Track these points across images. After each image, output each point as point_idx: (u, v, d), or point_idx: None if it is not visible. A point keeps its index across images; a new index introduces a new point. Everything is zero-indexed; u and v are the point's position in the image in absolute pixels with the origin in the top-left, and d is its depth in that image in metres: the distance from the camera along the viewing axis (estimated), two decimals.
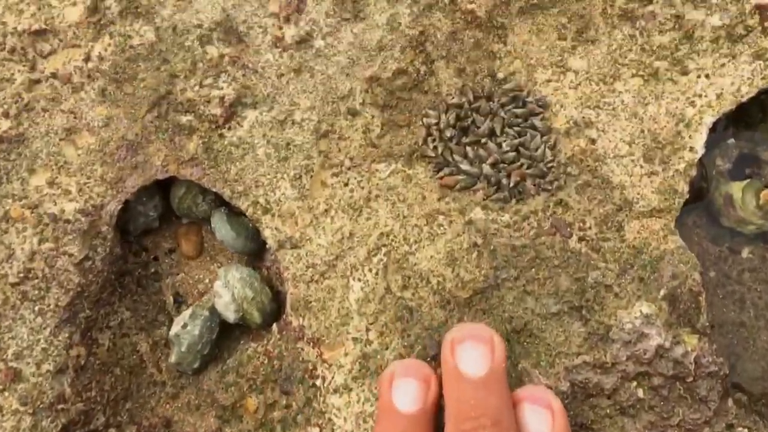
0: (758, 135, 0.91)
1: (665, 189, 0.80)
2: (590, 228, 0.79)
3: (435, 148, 0.86)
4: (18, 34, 0.81)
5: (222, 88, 0.83)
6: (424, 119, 0.86)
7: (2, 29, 0.81)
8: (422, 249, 0.79)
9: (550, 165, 0.83)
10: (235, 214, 0.85)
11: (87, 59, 0.82)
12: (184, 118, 0.82)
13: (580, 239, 0.78)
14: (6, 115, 0.79)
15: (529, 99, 0.87)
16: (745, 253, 0.88)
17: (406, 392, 0.67)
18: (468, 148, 0.85)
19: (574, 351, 0.74)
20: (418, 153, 0.86)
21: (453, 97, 0.87)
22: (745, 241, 0.88)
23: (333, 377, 0.77)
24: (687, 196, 0.80)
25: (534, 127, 0.86)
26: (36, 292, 0.78)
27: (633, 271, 0.76)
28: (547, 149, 0.84)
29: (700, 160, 0.83)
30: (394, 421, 0.66)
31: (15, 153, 0.80)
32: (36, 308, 0.78)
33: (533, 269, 0.76)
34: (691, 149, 0.81)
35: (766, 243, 0.88)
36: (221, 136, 0.82)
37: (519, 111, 0.86)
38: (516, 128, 0.86)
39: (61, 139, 0.81)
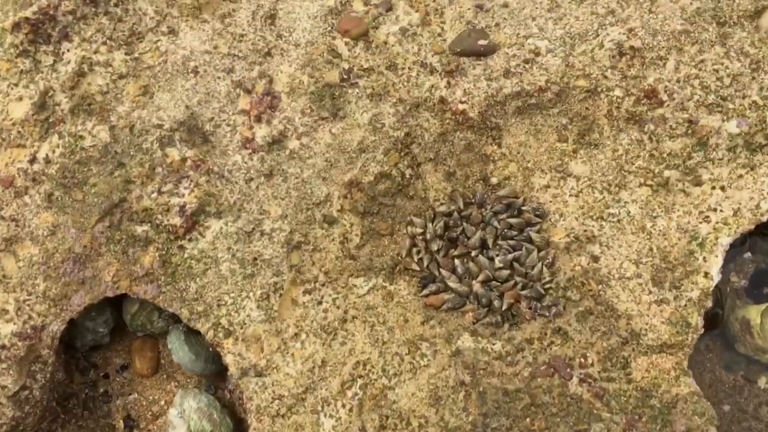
0: None
1: (677, 320, 0.71)
2: (593, 365, 0.70)
3: (420, 260, 0.77)
4: None
5: (183, 196, 0.74)
6: (409, 228, 0.78)
7: None
8: (403, 384, 0.70)
9: (547, 286, 0.75)
10: (194, 332, 0.76)
11: (32, 161, 0.73)
12: (140, 229, 0.73)
13: (582, 381, 0.69)
14: None
15: (525, 207, 0.78)
16: (762, 382, 0.79)
17: None
18: (457, 262, 0.77)
19: None
20: (401, 266, 0.77)
21: (441, 204, 0.79)
22: (762, 369, 0.80)
23: None
24: (701, 331, 0.71)
25: (530, 240, 0.77)
26: None
27: (641, 424, 0.67)
28: (544, 267, 0.75)
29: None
30: None
31: None
32: None
33: (528, 419, 0.67)
34: (706, 275, 0.73)
35: None
36: (181, 248, 0.74)
37: (514, 221, 0.77)
38: (510, 241, 0.77)
39: (0, 251, 0.72)
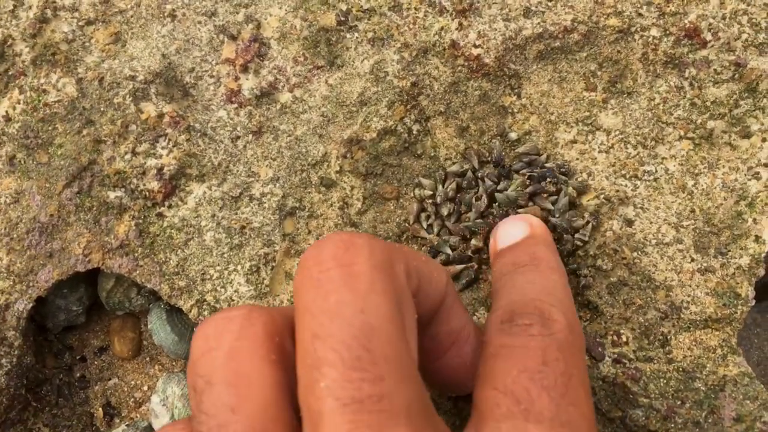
0: None
1: (723, 291, 0.62)
2: (627, 343, 0.61)
3: (430, 227, 0.69)
4: None
5: (161, 157, 0.65)
6: (417, 191, 0.69)
7: None
8: None
9: (573, 249, 0.66)
10: (178, 310, 0.68)
11: None
12: (113, 195, 0.65)
13: (615, 361, 0.60)
14: None
15: (549, 165, 0.69)
16: None
17: None
18: None
19: None
20: (409, 234, 0.68)
21: (453, 163, 0.70)
22: None
23: None
24: (752, 303, 0.62)
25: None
26: None
27: (684, 410, 0.58)
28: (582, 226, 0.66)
29: None
30: None
31: None
32: None
33: None
34: (757, 239, 0.64)
35: None
36: (159, 216, 0.65)
37: None
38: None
39: None
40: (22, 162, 0.65)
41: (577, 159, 0.69)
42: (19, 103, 0.65)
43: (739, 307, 0.62)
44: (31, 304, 0.64)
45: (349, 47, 0.69)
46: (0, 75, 0.66)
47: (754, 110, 0.67)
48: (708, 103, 0.68)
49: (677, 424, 0.58)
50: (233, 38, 0.68)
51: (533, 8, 0.69)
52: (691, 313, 0.62)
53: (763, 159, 0.66)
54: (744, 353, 0.71)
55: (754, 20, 0.68)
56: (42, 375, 0.69)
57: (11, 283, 0.64)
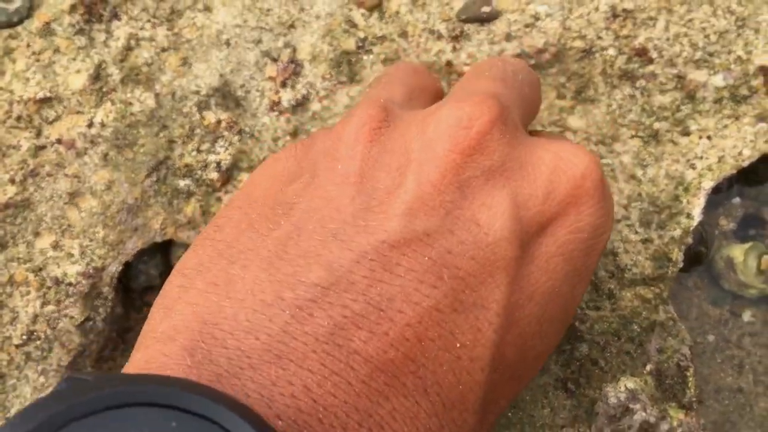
0: (765, 193, 0.89)
1: (659, 256, 0.79)
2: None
3: None
4: (24, 102, 0.84)
5: (219, 153, 0.84)
6: None
7: (9, 97, 0.84)
8: None
9: None
10: None
11: (90, 125, 0.85)
12: (182, 183, 0.84)
13: None
14: (12, 181, 0.83)
15: None
16: (746, 316, 0.86)
17: None
18: None
19: (558, 423, 0.74)
20: None
21: None
22: (746, 304, 0.87)
23: None
24: (681, 265, 0.79)
25: None
26: (39, 352, 0.81)
27: (619, 343, 0.75)
28: None
29: (700, 222, 0.82)
30: None
31: (21, 217, 0.83)
32: (39, 368, 0.81)
33: None
34: (689, 215, 0.80)
35: None
36: (218, 199, 0.84)
37: None
38: None
39: (65, 203, 0.84)
40: (113, 158, 0.85)
41: None
42: (111, 113, 0.85)
43: (671, 268, 0.79)
44: (120, 267, 0.84)
45: (366, 66, 0.87)
46: (96, 91, 0.85)
47: (693, 113, 0.83)
48: (655, 108, 0.84)
49: (612, 354, 0.75)
50: (274, 60, 0.87)
51: (513, 34, 0.86)
52: (632, 274, 0.79)
53: (698, 153, 0.82)
54: (685, 310, 0.87)
55: (692, 41, 0.84)
56: (127, 324, 0.88)
57: (106, 250, 0.84)
